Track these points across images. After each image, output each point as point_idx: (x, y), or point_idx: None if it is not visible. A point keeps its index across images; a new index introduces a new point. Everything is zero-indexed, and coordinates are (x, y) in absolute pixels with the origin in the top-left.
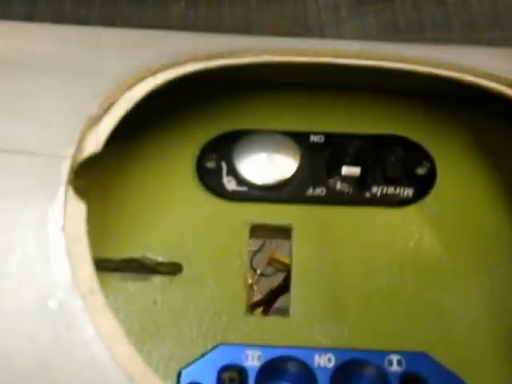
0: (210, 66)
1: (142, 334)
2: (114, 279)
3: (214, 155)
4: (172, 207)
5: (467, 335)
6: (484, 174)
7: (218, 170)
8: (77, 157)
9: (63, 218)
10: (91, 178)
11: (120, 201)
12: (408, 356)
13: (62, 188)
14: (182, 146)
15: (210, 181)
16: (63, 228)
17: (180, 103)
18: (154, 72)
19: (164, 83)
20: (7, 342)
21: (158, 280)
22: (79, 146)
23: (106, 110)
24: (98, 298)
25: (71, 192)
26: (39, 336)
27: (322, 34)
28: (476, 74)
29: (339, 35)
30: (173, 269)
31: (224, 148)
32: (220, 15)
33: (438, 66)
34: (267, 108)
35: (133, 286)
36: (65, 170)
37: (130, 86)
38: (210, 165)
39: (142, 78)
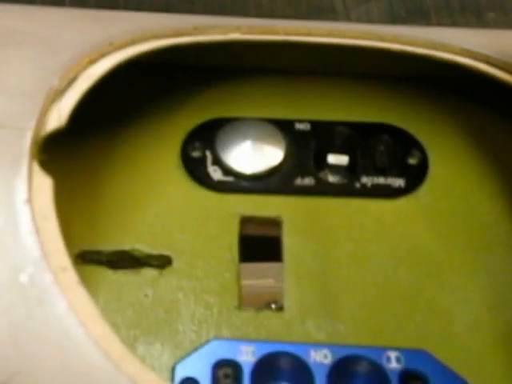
0: (175, 43)
1: (133, 328)
2: (105, 272)
3: (198, 144)
4: (159, 198)
5: (466, 332)
6: (479, 164)
7: (203, 159)
8: (39, 130)
9: (28, 191)
10: (74, 166)
11: (108, 193)
12: (407, 353)
13: (26, 161)
14: (166, 135)
15: (195, 170)
16: (28, 201)
17: (163, 90)
18: (118, 47)
19: (128, 59)
20: None
21: (148, 273)
22: (41, 120)
23: (69, 84)
24: (70, 275)
25: (37, 167)
26: (11, 310)
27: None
28: (465, 55)
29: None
30: (162, 261)
31: (208, 136)
32: None
33: (427, 46)
34: (251, 95)
35: (123, 279)
36: (27, 142)
37: (92, 61)
38: (195, 154)
39: (106, 53)
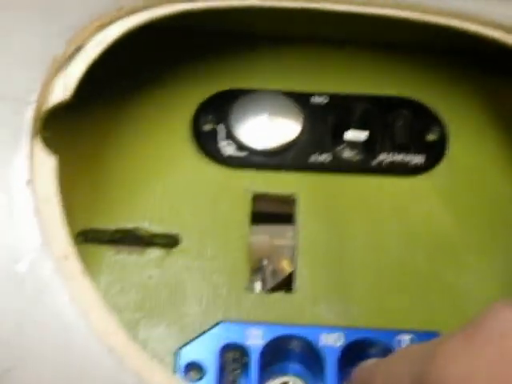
0: (189, 8)
1: (137, 311)
2: (108, 252)
3: (210, 117)
4: (167, 174)
5: None
6: (499, 141)
7: (215, 133)
8: (43, 103)
9: (29, 171)
10: (77, 139)
11: (112, 168)
12: (420, 335)
13: (27, 136)
14: (176, 106)
15: (206, 145)
16: (30, 182)
17: (174, 58)
18: (129, 12)
19: (139, 25)
20: None
21: (154, 253)
22: (45, 91)
23: (75, 51)
24: (74, 264)
25: (39, 144)
26: (9, 302)
27: None
28: (492, 26)
29: None
30: (169, 241)
31: (221, 109)
32: None
33: (450, 16)
34: (267, 66)
35: (127, 259)
36: (30, 116)
37: (101, 27)
38: (207, 127)
39: (115, 19)
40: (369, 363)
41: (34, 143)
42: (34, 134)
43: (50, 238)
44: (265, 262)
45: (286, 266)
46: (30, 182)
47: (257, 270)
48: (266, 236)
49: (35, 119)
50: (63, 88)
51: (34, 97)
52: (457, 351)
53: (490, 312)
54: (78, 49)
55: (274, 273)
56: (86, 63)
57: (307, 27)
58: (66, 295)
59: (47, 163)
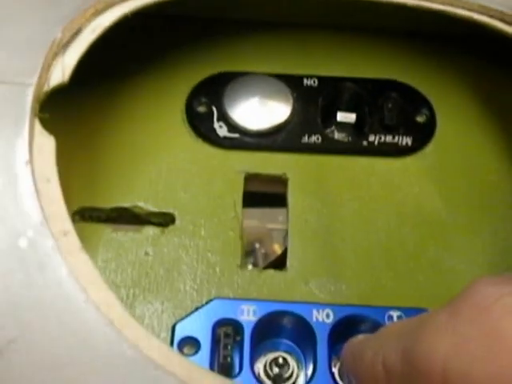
0: None
1: (133, 287)
2: (105, 230)
3: (203, 100)
4: (162, 155)
5: None
6: (487, 123)
7: (208, 115)
8: (41, 86)
9: (29, 151)
10: (75, 122)
11: (109, 149)
12: (409, 312)
13: (27, 119)
14: (170, 89)
15: (200, 126)
16: (29, 162)
17: (168, 42)
18: (121, 0)
19: (136, 10)
20: None
21: (149, 231)
22: (44, 75)
23: (73, 36)
24: (72, 240)
25: (38, 125)
26: (10, 276)
27: None
28: (481, 12)
29: None
30: (165, 219)
31: (214, 92)
32: None
33: (443, 2)
34: (259, 49)
35: (124, 237)
36: (29, 99)
37: (97, 12)
38: (200, 109)
39: (112, 4)
40: (358, 338)
41: (33, 125)
42: (33, 116)
43: (50, 216)
44: (257, 246)
45: (277, 249)
46: (29, 162)
47: (249, 252)
48: (258, 220)
49: (34, 101)
50: (61, 72)
51: (32, 80)
52: (442, 327)
53: (474, 287)
54: (75, 35)
55: (266, 256)
56: (82, 49)
57: (298, 13)
58: (65, 269)
59: (46, 144)
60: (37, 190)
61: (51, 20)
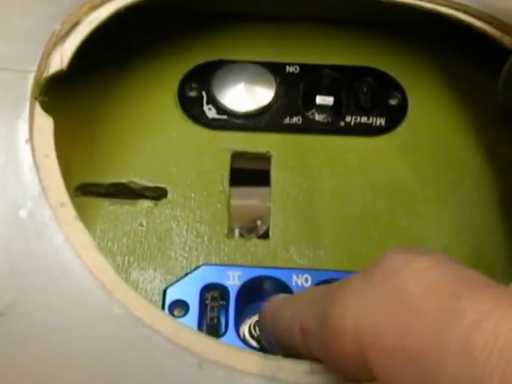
0: None
1: (128, 255)
2: (103, 204)
3: (194, 84)
4: (156, 134)
5: None
6: (453, 106)
7: (199, 98)
8: (41, 73)
9: (29, 131)
10: (75, 105)
11: (107, 130)
12: None
13: (28, 102)
14: (164, 75)
15: (191, 109)
16: (29, 140)
17: (162, 34)
18: None
19: (130, 4)
20: None
21: (144, 204)
22: (43, 63)
23: (71, 28)
24: (68, 210)
25: (38, 108)
26: (11, 244)
27: None
28: (445, 5)
29: None
30: (158, 193)
31: (204, 78)
32: None
33: None
34: (246, 40)
35: (120, 209)
36: (29, 84)
37: (94, 7)
38: (192, 93)
39: (104, 1)
40: (279, 297)
41: (34, 107)
42: (33, 100)
43: (48, 188)
44: (258, 223)
45: None
46: (29, 140)
47: (252, 229)
48: (260, 199)
49: (34, 86)
50: (60, 60)
51: (33, 67)
52: (355, 290)
53: (385, 256)
54: (73, 27)
55: (267, 231)
56: (80, 39)
57: (281, 5)
58: (61, 237)
59: (45, 124)
60: (36, 165)
61: (51, 13)
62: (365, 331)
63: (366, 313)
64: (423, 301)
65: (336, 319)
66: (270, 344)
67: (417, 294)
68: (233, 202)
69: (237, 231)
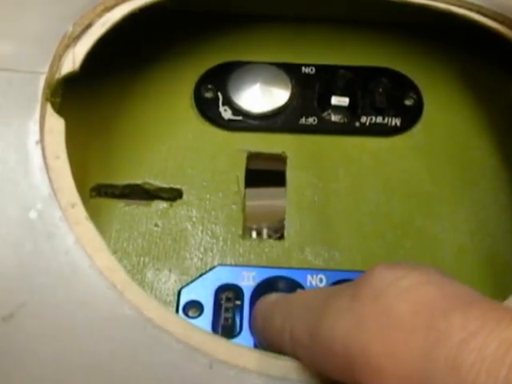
0: None
1: (143, 256)
2: (118, 205)
3: (210, 85)
4: (172, 136)
5: (453, 259)
6: (469, 106)
7: (215, 99)
8: (53, 74)
9: (40, 132)
10: (91, 105)
11: (123, 131)
12: None
13: (39, 103)
14: (180, 77)
15: (207, 110)
16: (40, 142)
17: (178, 36)
18: None
19: (143, 6)
20: None
21: (159, 205)
22: (55, 64)
23: (83, 30)
24: (79, 211)
25: (50, 109)
26: (21, 245)
27: None
28: (459, 5)
29: None
30: (173, 194)
31: (220, 79)
32: None
33: None
34: (261, 41)
35: (136, 210)
36: (41, 86)
37: (107, 9)
38: (207, 95)
39: (120, 1)
40: (270, 298)
41: (45, 108)
42: (45, 101)
43: (58, 189)
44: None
45: None
46: (39, 141)
47: (279, 229)
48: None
49: (46, 88)
50: (72, 61)
51: (45, 69)
52: (344, 308)
53: (372, 272)
54: (85, 29)
55: None
56: (93, 40)
57: (297, 7)
58: (72, 238)
59: (56, 125)
60: (46, 166)
61: (63, 15)
62: (355, 350)
63: (355, 332)
64: (412, 320)
65: (325, 336)
66: (260, 345)
67: (405, 313)
68: (248, 203)
69: (265, 231)
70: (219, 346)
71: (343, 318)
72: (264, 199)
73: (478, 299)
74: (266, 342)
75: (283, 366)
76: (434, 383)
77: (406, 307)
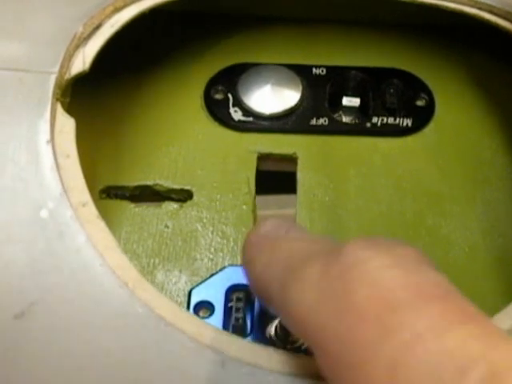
0: None
1: (154, 257)
2: (129, 206)
3: (220, 87)
4: (182, 137)
5: (464, 258)
6: (480, 106)
7: (225, 101)
8: (63, 74)
9: (50, 132)
10: (101, 106)
11: (133, 132)
12: None
13: (49, 103)
14: (191, 78)
15: (217, 111)
16: (50, 141)
17: (189, 37)
18: None
19: (152, 7)
20: (3, 250)
21: (169, 206)
22: (65, 64)
23: (93, 31)
24: (90, 210)
25: (60, 109)
26: (33, 244)
27: None
28: (470, 4)
29: None
30: (184, 195)
31: (230, 80)
32: None
33: None
34: (272, 42)
35: (146, 211)
36: (51, 85)
37: (117, 9)
38: (218, 96)
39: (130, 2)
40: (260, 232)
41: (55, 108)
42: (55, 101)
43: (69, 188)
44: None
45: None
46: (50, 141)
47: None
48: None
49: (56, 88)
50: (82, 61)
51: (55, 69)
52: (313, 280)
53: (347, 246)
54: (95, 30)
55: None
56: (103, 41)
57: (307, 9)
58: (83, 237)
59: (67, 125)
60: (57, 166)
61: (73, 16)
62: (312, 327)
63: (315, 309)
64: (366, 306)
65: (290, 303)
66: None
67: (362, 298)
68: (259, 212)
69: None
70: (232, 344)
71: (308, 292)
72: (274, 209)
73: (442, 294)
74: (247, 277)
75: (295, 363)
76: (373, 380)
77: (364, 292)
